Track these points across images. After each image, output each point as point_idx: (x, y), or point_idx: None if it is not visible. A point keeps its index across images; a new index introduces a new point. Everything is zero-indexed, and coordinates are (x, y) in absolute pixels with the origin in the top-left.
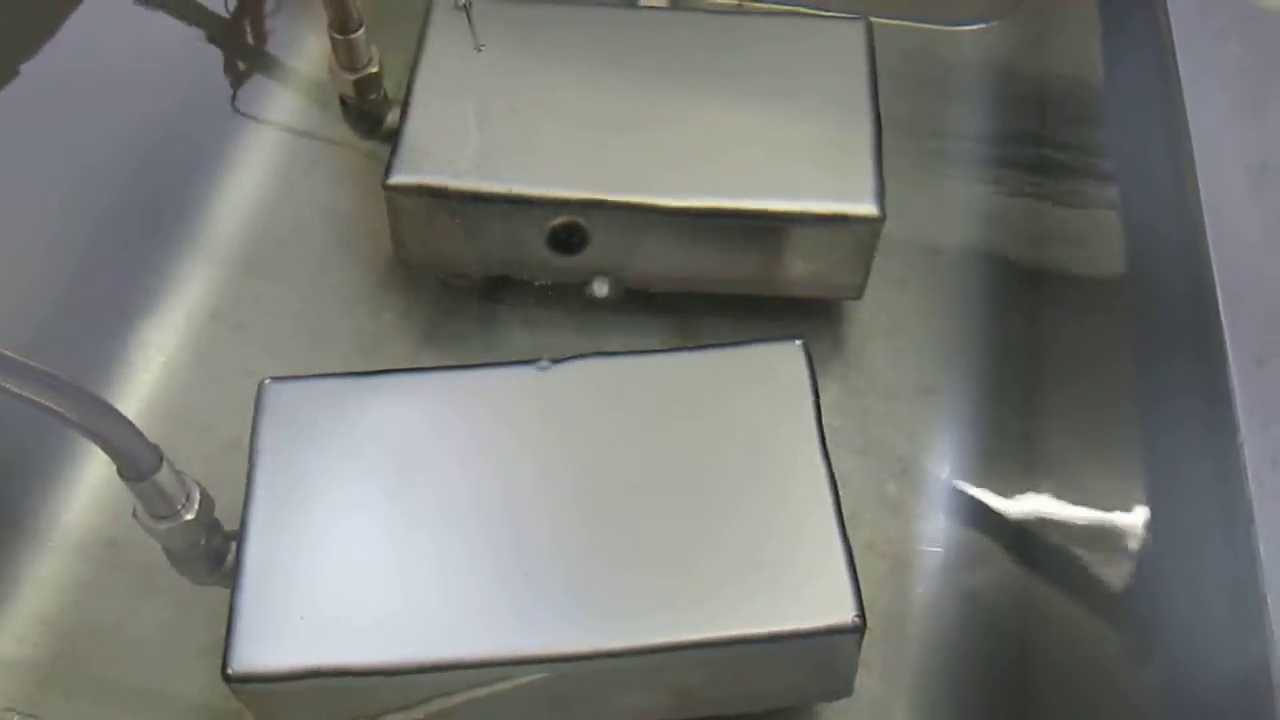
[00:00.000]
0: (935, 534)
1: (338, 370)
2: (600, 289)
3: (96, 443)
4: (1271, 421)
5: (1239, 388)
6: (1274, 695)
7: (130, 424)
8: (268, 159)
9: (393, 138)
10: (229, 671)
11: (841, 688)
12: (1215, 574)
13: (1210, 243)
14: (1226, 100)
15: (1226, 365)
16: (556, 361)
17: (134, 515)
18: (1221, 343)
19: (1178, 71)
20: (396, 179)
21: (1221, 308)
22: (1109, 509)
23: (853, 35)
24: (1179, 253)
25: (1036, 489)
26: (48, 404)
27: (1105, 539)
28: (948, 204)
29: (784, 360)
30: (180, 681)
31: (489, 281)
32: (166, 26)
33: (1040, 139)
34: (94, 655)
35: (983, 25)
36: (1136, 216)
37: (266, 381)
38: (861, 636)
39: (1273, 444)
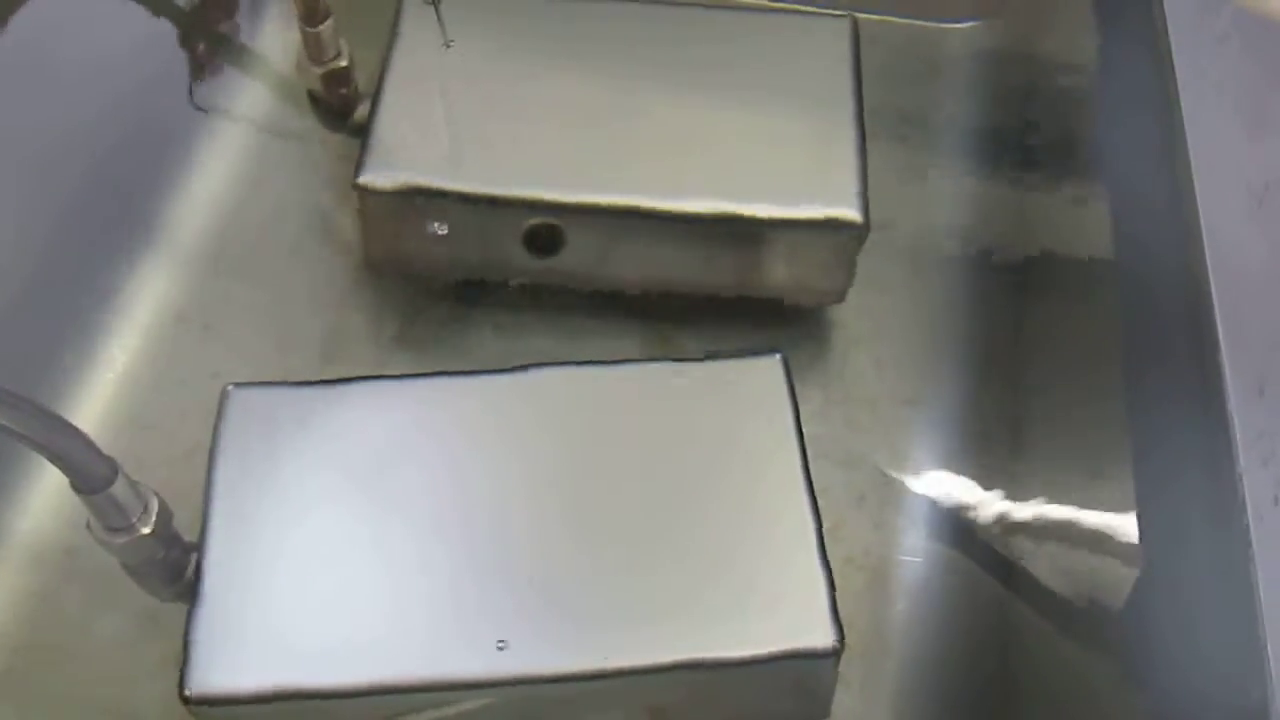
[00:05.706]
0: (916, 547)
1: (305, 374)
2: None
3: (46, 456)
4: (1272, 457)
5: (1238, 416)
6: None
7: (83, 436)
8: (234, 155)
9: (363, 134)
10: (187, 693)
11: (819, 708)
12: (1210, 602)
13: (1208, 260)
14: (1227, 110)
15: (1224, 391)
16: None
17: (87, 527)
18: (1219, 366)
19: (1175, 78)
20: (366, 177)
21: (1220, 328)
22: (1097, 527)
23: (837, 32)
24: (1174, 267)
25: (1021, 503)
26: None
27: (1092, 557)
28: (933, 207)
29: (763, 375)
30: (137, 697)
31: (462, 283)
32: (126, 14)
33: (1029, 142)
34: (47, 670)
35: (971, 23)
36: (1129, 226)
37: (230, 388)
38: (839, 660)
39: (1274, 481)
